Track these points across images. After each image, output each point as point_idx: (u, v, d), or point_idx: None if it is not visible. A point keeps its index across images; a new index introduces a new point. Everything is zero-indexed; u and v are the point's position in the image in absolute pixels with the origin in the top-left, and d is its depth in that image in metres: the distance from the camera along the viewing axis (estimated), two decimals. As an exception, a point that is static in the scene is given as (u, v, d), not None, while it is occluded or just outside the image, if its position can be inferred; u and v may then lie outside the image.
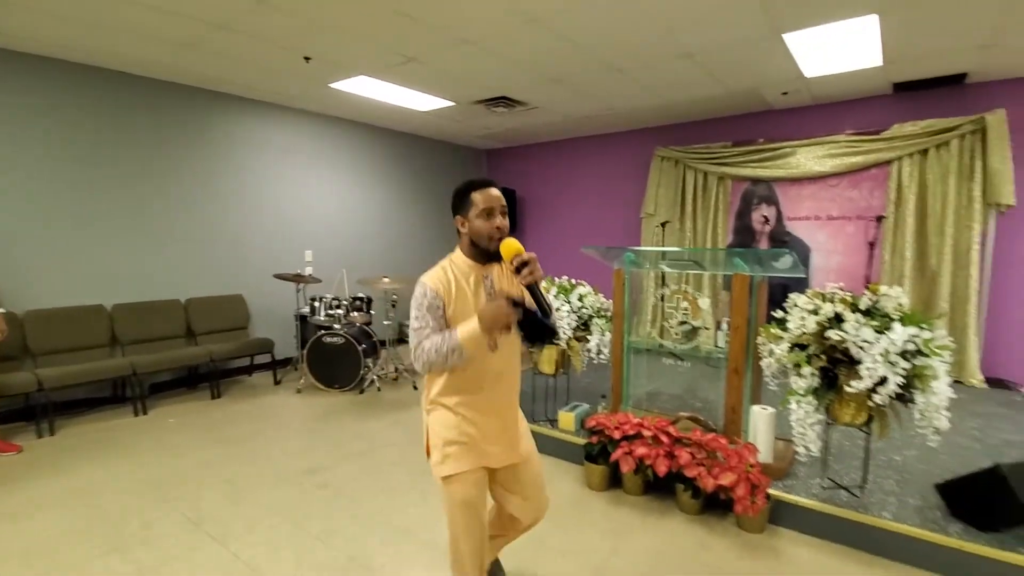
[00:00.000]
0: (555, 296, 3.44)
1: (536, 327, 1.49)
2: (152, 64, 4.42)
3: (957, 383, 4.75)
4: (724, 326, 3.47)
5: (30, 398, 3.84)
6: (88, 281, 4.46)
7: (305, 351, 4.96)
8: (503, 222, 1.60)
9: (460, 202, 1.63)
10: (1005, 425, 3.78)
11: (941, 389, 2.23)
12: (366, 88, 5.02)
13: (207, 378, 4.90)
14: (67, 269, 4.36)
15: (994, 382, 4.76)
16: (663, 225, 6.18)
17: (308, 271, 6.00)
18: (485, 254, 1.62)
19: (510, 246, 1.53)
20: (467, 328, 1.50)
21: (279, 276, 5.10)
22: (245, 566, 2.29)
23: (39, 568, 2.27)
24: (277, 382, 5.24)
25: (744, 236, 6.00)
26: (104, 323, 4.47)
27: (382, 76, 4.69)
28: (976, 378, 4.74)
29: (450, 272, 1.63)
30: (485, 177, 1.65)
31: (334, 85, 4.96)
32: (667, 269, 3.86)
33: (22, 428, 3.93)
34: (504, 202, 1.62)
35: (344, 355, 4.86)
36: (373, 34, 3.78)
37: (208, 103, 5.15)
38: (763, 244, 5.82)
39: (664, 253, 4.03)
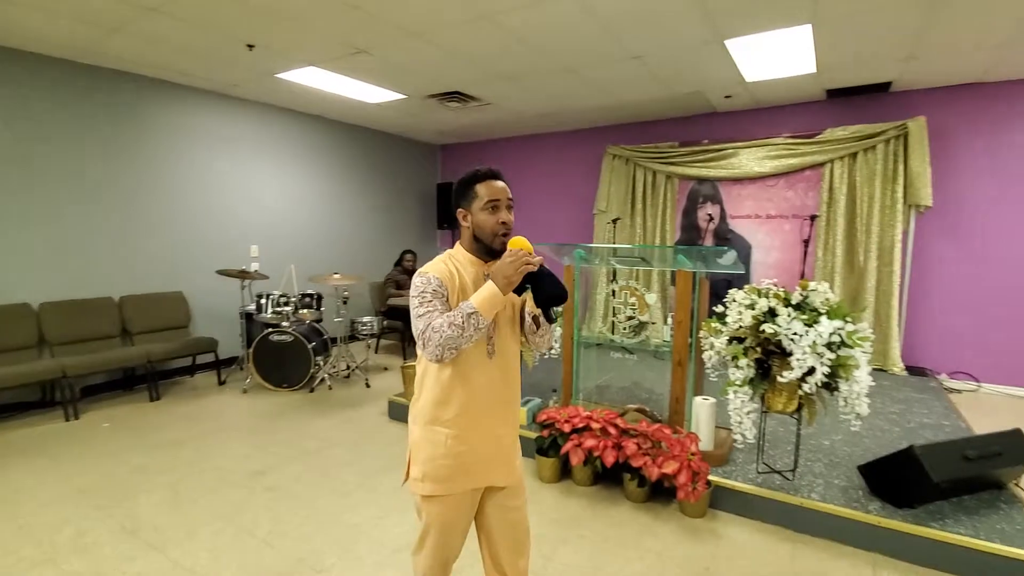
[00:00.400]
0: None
1: (550, 282, 1.40)
2: (80, 48, 4.15)
3: (881, 371, 5.12)
4: (671, 320, 3.60)
5: (-57, 404, 3.56)
6: (12, 278, 4.16)
7: (251, 350, 4.80)
8: (508, 217, 1.47)
9: (463, 193, 1.49)
10: (922, 409, 4.09)
11: (862, 378, 2.41)
12: (315, 79, 4.89)
13: (145, 380, 4.67)
14: (-15, 265, 4.06)
15: (913, 370, 5.15)
16: (614, 222, 6.33)
17: (254, 267, 5.81)
18: (488, 251, 1.48)
19: (518, 244, 1.40)
20: (481, 292, 1.36)
21: (222, 272, 4.91)
22: (187, 573, 2.22)
23: (-44, 585, 2.13)
24: (222, 382, 5.06)
25: (691, 233, 6.22)
26: (31, 322, 4.19)
27: (331, 67, 4.58)
28: (897, 366, 5.11)
29: (451, 264, 1.48)
30: (491, 167, 1.49)
31: (281, 75, 4.81)
32: (618, 265, 3.97)
33: (-65, 437, 3.65)
34: (510, 195, 1.48)
35: (293, 353, 4.74)
36: (321, 24, 3.69)
37: (145, 90, 4.89)
38: (708, 241, 6.05)
39: (615, 250, 4.13)
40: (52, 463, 3.28)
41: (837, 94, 5.26)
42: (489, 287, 1.36)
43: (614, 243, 6.28)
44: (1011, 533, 2.32)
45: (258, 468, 3.25)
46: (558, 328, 3.51)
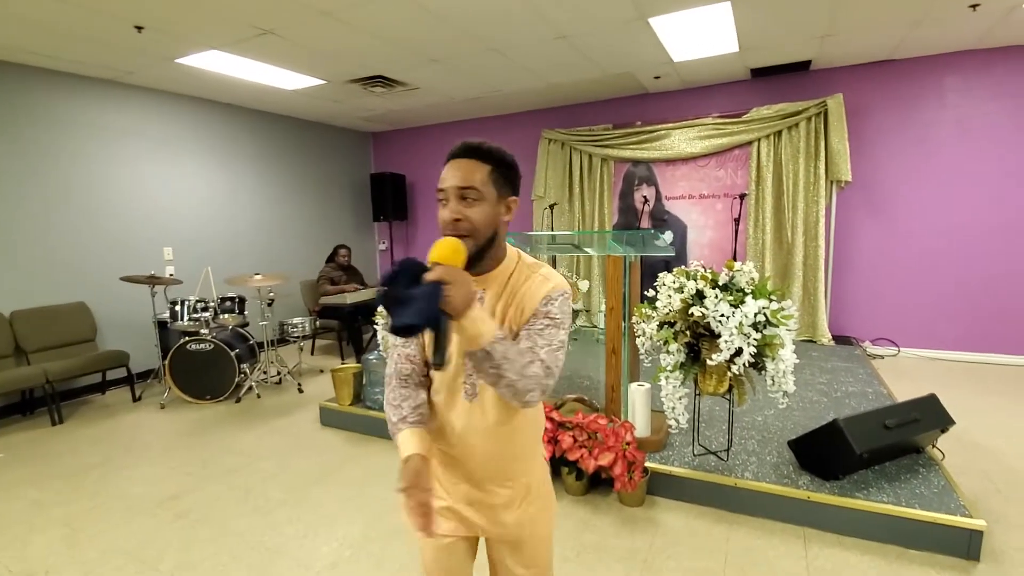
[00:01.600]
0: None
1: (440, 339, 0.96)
2: (-67, 30, 3.63)
3: (810, 342, 5.31)
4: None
5: None
6: None
7: (167, 361, 4.43)
8: (458, 209, 1.06)
9: None
10: (847, 378, 4.25)
11: (788, 356, 2.41)
12: (219, 64, 4.50)
13: (45, 402, 4.22)
14: None
15: (840, 339, 5.37)
16: (552, 207, 6.25)
17: (169, 271, 5.37)
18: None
19: (439, 254, 1.00)
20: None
21: (128, 279, 4.48)
22: (73, 624, 1.97)
23: None
24: (137, 398, 4.65)
25: (628, 216, 6.22)
26: None
27: (236, 51, 4.22)
28: (826, 337, 5.31)
29: None
30: (466, 141, 1.11)
31: (181, 60, 4.40)
32: (555, 253, 3.90)
33: None
34: (468, 180, 1.06)
35: (214, 362, 4.41)
36: (217, 3, 3.35)
37: (31, 80, 4.36)
38: (645, 223, 6.08)
39: (553, 237, 4.03)
40: (-76, 507, 2.89)
41: (761, 73, 5.35)
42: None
43: (552, 229, 6.21)
44: (929, 497, 2.40)
45: (172, 492, 2.98)
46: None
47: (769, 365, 2.43)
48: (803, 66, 5.17)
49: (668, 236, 3.02)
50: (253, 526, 2.61)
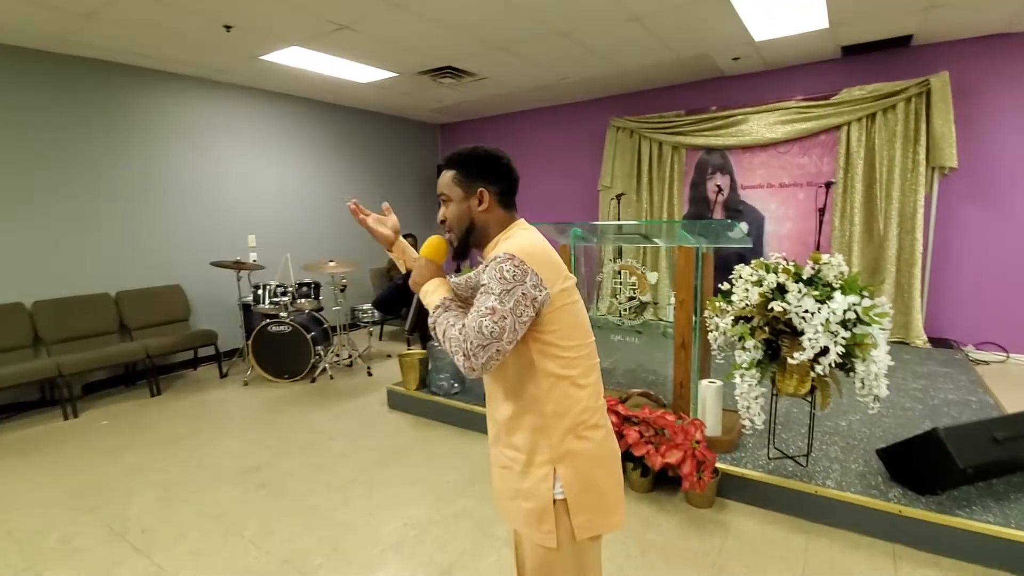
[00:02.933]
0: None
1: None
2: (56, 38, 4.01)
3: (902, 344, 4.88)
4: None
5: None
6: (3, 276, 4.11)
7: (250, 341, 4.73)
8: (442, 211, 1.30)
9: None
10: (946, 384, 3.87)
11: (880, 357, 2.21)
12: (299, 59, 4.71)
13: (145, 375, 4.63)
14: (-25, 265, 4.01)
15: (937, 342, 4.90)
16: (618, 197, 6.09)
17: (252, 257, 5.71)
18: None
19: (423, 245, 1.32)
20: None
21: (217, 264, 4.82)
22: (167, 579, 2.15)
23: (-65, 597, 2.08)
24: (223, 375, 5.01)
25: (699, 206, 5.96)
26: (24, 322, 4.14)
27: (315, 46, 4.39)
28: (920, 339, 4.86)
29: None
30: (448, 153, 1.32)
31: (264, 57, 4.63)
32: (621, 243, 3.78)
33: (-67, 440, 3.63)
34: (440, 188, 1.30)
35: (292, 344, 4.66)
36: (297, 0, 3.49)
37: (128, 79, 4.75)
38: (718, 214, 5.80)
39: (619, 227, 3.93)
40: (46, 464, 3.25)
41: (853, 51, 4.93)
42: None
43: (619, 220, 6.06)
44: (1043, 520, 2.14)
45: (252, 464, 3.18)
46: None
47: (859, 366, 2.24)
48: (902, 42, 4.71)
49: (743, 227, 2.86)
50: (325, 501, 2.73)
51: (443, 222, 1.30)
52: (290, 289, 4.84)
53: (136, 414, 4.09)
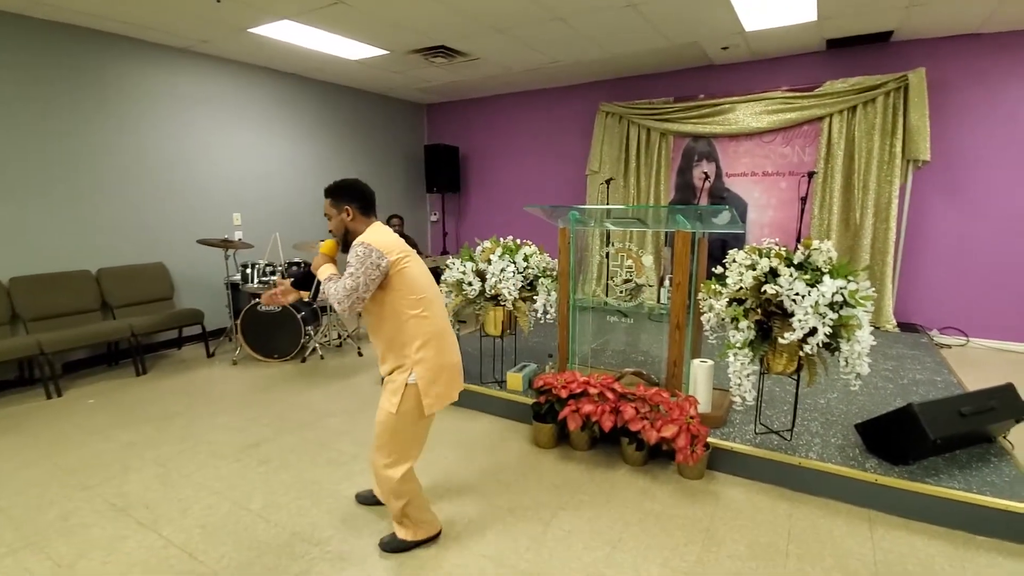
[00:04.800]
0: (500, 256, 3.36)
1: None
2: (36, 0, 3.84)
3: (874, 328, 5.11)
4: (667, 282, 3.53)
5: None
6: (-22, 252, 3.98)
7: (239, 321, 4.69)
8: (329, 225, 2.09)
9: None
10: (914, 366, 4.11)
11: (864, 337, 2.36)
12: (290, 33, 4.61)
13: (129, 354, 4.56)
14: (-50, 239, 3.86)
15: (906, 326, 5.17)
16: (607, 182, 6.18)
17: (237, 236, 5.62)
18: None
19: (322, 245, 2.12)
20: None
21: (203, 242, 4.74)
22: (179, 551, 2.17)
23: (-60, 571, 2.06)
24: (210, 355, 4.96)
25: (685, 193, 6.10)
26: (0, 298, 4.02)
27: (307, 20, 4.31)
28: (891, 323, 5.12)
29: None
30: (325, 188, 2.09)
31: (253, 30, 4.52)
32: (612, 227, 3.85)
33: (-88, 418, 3.53)
34: (325, 210, 2.08)
35: (282, 323, 4.64)
36: (293, -28, 3.43)
37: (112, 48, 4.59)
38: (703, 200, 5.94)
39: (609, 211, 4.02)
40: (32, 442, 3.20)
41: (837, 44, 5.08)
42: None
43: (607, 204, 6.15)
44: (1001, 485, 2.34)
45: (251, 441, 3.20)
46: (553, 293, 3.43)
47: (844, 346, 2.39)
48: (883, 37, 4.88)
49: (727, 214, 2.96)
50: (329, 476, 2.78)
51: (331, 231, 2.08)
52: (279, 268, 4.80)
53: (123, 393, 4.04)
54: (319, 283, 2.05)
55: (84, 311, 4.44)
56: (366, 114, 7.12)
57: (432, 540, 2.20)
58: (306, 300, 2.11)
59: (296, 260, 4.96)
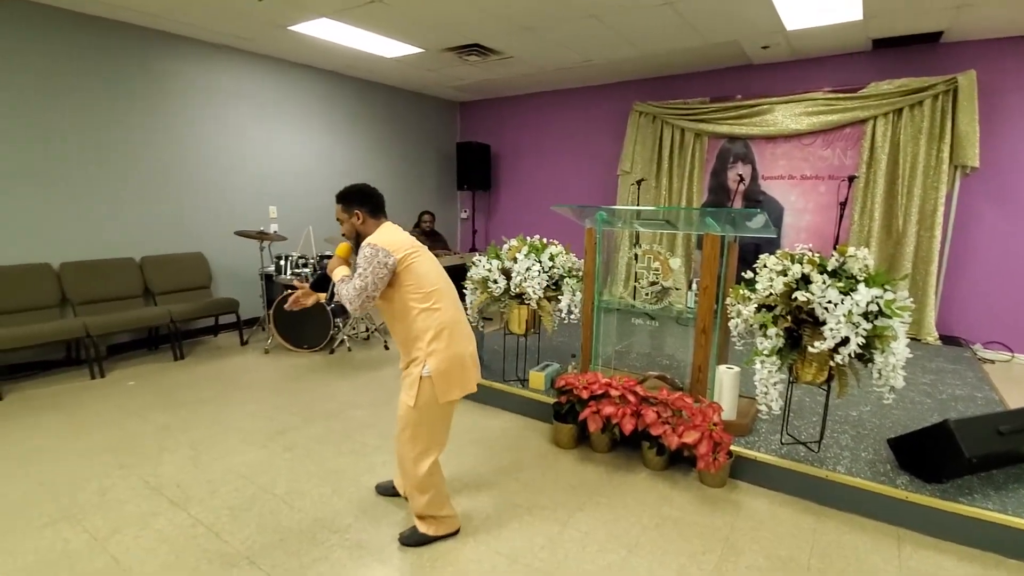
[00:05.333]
0: (525, 255, 3.37)
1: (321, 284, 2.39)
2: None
3: (914, 340, 4.93)
4: (695, 286, 3.47)
5: (-27, 362, 3.64)
6: (30, 238, 4.19)
7: (271, 311, 4.83)
8: (342, 228, 2.17)
9: None
10: (954, 381, 3.94)
11: (899, 350, 2.28)
12: (328, 31, 4.71)
13: (169, 339, 4.75)
14: (5, 225, 4.07)
15: (948, 339, 4.95)
16: (639, 183, 6.11)
17: (273, 228, 5.78)
18: None
19: (340, 250, 2.18)
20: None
21: (241, 233, 4.89)
22: (207, 530, 2.26)
23: (-14, 537, 2.19)
24: (244, 343, 5.12)
25: (719, 195, 5.98)
26: (52, 282, 4.24)
27: (344, 18, 4.39)
28: (932, 335, 4.92)
29: None
30: (337, 193, 2.17)
31: (293, 28, 4.64)
32: (641, 228, 3.81)
33: (-32, 392, 3.75)
34: (337, 215, 2.16)
35: (312, 315, 4.75)
36: (332, -29, 3.50)
37: (157, 45, 4.77)
38: (737, 203, 5.82)
39: (639, 212, 3.97)
40: (76, 421, 3.36)
41: (883, 44, 4.89)
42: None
43: (638, 205, 6.08)
44: (1041, 509, 2.23)
45: (278, 428, 3.29)
46: (578, 293, 3.41)
47: (878, 358, 2.31)
48: (932, 38, 4.68)
49: (761, 218, 2.89)
50: (352, 465, 2.84)
51: (343, 234, 2.17)
52: (311, 261, 4.92)
53: (161, 376, 4.21)
54: (335, 284, 2.13)
55: (128, 297, 4.64)
56: (400, 111, 7.21)
57: (450, 537, 2.23)
58: (323, 302, 2.12)
59: (327, 253, 5.07)
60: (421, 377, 2.00)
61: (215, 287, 5.35)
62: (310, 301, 2.22)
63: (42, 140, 4.20)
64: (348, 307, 1.96)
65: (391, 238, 2.02)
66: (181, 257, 5.07)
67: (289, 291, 4.69)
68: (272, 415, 3.50)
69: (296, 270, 4.86)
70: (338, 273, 2.09)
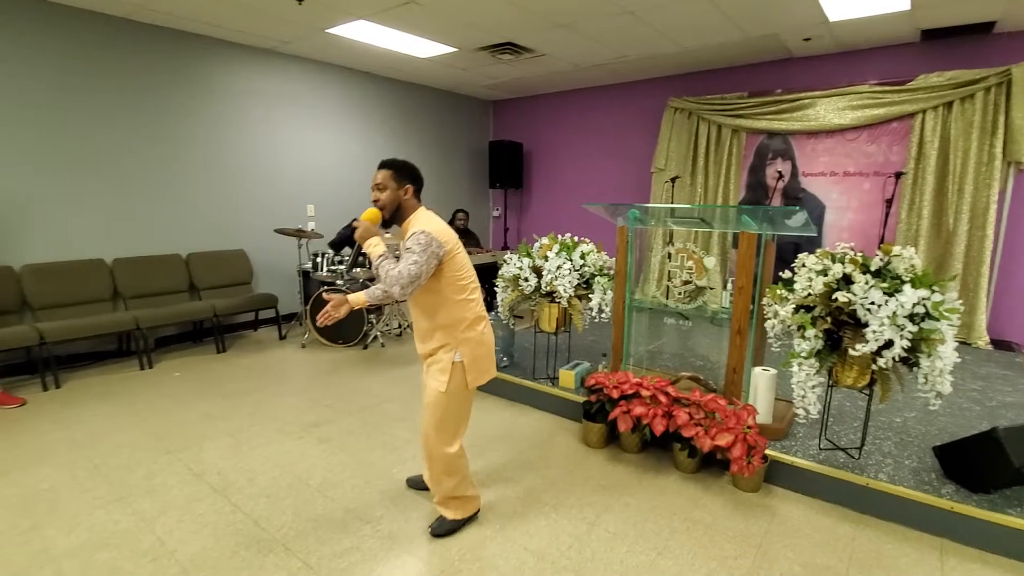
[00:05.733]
0: (556, 254, 3.36)
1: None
2: (141, 6, 4.21)
3: (963, 344, 4.71)
4: (731, 285, 3.40)
5: (31, 352, 3.86)
6: (85, 235, 4.43)
7: (308, 307, 4.96)
8: (376, 195, 2.07)
9: None
10: (1005, 387, 3.74)
11: (947, 354, 2.18)
12: (365, 33, 4.80)
13: (211, 332, 4.93)
14: (63, 222, 4.31)
15: (1000, 344, 4.70)
16: (673, 180, 6.01)
17: (311, 226, 5.93)
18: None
19: (364, 213, 2.08)
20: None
21: (280, 231, 5.04)
22: (245, 517, 2.34)
23: (39, 517, 2.33)
24: (282, 337, 5.28)
25: (757, 192, 5.83)
26: (105, 277, 4.47)
27: (381, 20, 4.47)
28: (982, 339, 4.68)
29: None
30: (383, 160, 2.10)
31: (331, 30, 4.74)
32: (675, 227, 3.73)
33: (27, 381, 3.99)
34: (378, 179, 2.06)
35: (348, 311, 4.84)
36: (368, -26, 3.56)
37: (202, 49, 4.96)
38: (776, 201, 5.66)
39: (672, 210, 3.91)
40: (127, 409, 3.54)
41: (933, 36, 4.67)
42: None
43: (672, 203, 5.99)
44: (1098, 525, 2.09)
45: (313, 420, 3.38)
46: (609, 292, 3.39)
47: (924, 362, 2.21)
48: (984, 28, 4.43)
49: (801, 216, 2.80)
50: (383, 458, 2.90)
51: (376, 202, 2.06)
52: (347, 258, 5.02)
53: (204, 368, 4.38)
54: (359, 249, 2.11)
55: (174, 291, 4.85)
56: (434, 111, 7.29)
57: (473, 518, 2.32)
58: (356, 309, 2.15)
59: (362, 251, 5.16)
60: (452, 362, 2.07)
61: (255, 283, 5.53)
62: (343, 312, 2.09)
63: (97, 144, 4.42)
64: (394, 289, 1.90)
65: (440, 227, 2.02)
66: (224, 254, 5.26)
67: (327, 288, 4.81)
68: (308, 407, 3.60)
69: (332, 267, 4.98)
70: (377, 247, 2.02)
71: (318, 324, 2.06)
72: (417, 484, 2.59)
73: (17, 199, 4.07)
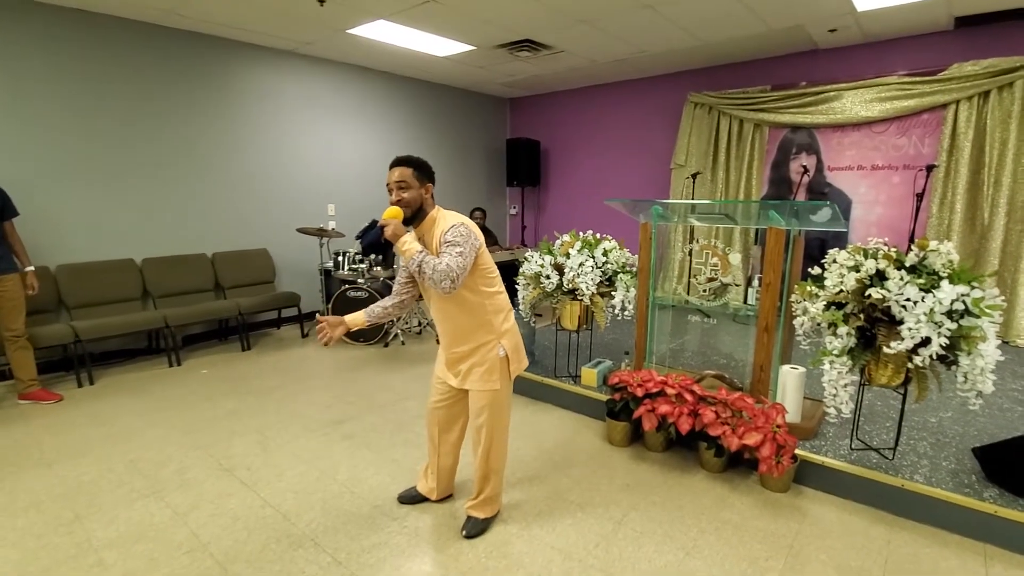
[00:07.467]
0: (578, 251, 3.34)
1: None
2: (168, 10, 4.29)
3: (1003, 343, 4.55)
4: (755, 282, 3.34)
5: (67, 349, 3.97)
6: (115, 235, 4.53)
7: (330, 305, 5.01)
8: (398, 194, 1.97)
9: None
10: (1050, 387, 3.61)
11: (989, 351, 2.11)
12: (385, 33, 4.82)
13: (236, 331, 5.01)
14: (95, 223, 4.42)
15: (1041, 342, 4.54)
16: (693, 176, 5.93)
17: (331, 225, 5.99)
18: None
19: (388, 215, 1.96)
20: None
21: (302, 230, 5.10)
22: (274, 511, 2.37)
23: (79, 510, 2.39)
24: (304, 335, 5.34)
25: (780, 188, 5.72)
26: (135, 276, 4.57)
27: (400, 19, 4.48)
28: (1021, 337, 4.52)
29: None
30: (398, 156, 2.03)
31: (352, 31, 4.78)
32: (696, 223, 3.68)
33: (63, 378, 4.10)
34: (401, 177, 1.96)
35: (368, 309, 4.88)
36: (389, -27, 3.57)
37: (226, 53, 5.04)
38: (801, 196, 5.55)
39: (694, 206, 3.85)
40: (157, 404, 3.61)
41: (967, 23, 4.52)
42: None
43: (692, 199, 5.90)
44: None
45: (337, 417, 3.41)
46: (632, 289, 3.35)
47: (963, 360, 2.14)
48: (1021, 14, 4.28)
49: (827, 211, 2.73)
50: (407, 455, 2.91)
51: (399, 201, 1.97)
52: (367, 257, 5.06)
53: (230, 365, 4.46)
54: (388, 252, 2.13)
55: (201, 290, 4.94)
56: (451, 109, 7.30)
57: (499, 514, 2.35)
58: (353, 329, 2.14)
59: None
60: (499, 358, 2.07)
61: (278, 282, 5.61)
62: (338, 333, 2.08)
63: (126, 149, 4.52)
64: (443, 283, 1.82)
65: (472, 222, 2.03)
66: (248, 253, 5.34)
67: (347, 286, 4.85)
68: (331, 404, 3.63)
69: (353, 265, 5.02)
70: (412, 244, 1.91)
71: (318, 341, 2.06)
72: (412, 499, 2.46)
73: (53, 202, 4.18)
